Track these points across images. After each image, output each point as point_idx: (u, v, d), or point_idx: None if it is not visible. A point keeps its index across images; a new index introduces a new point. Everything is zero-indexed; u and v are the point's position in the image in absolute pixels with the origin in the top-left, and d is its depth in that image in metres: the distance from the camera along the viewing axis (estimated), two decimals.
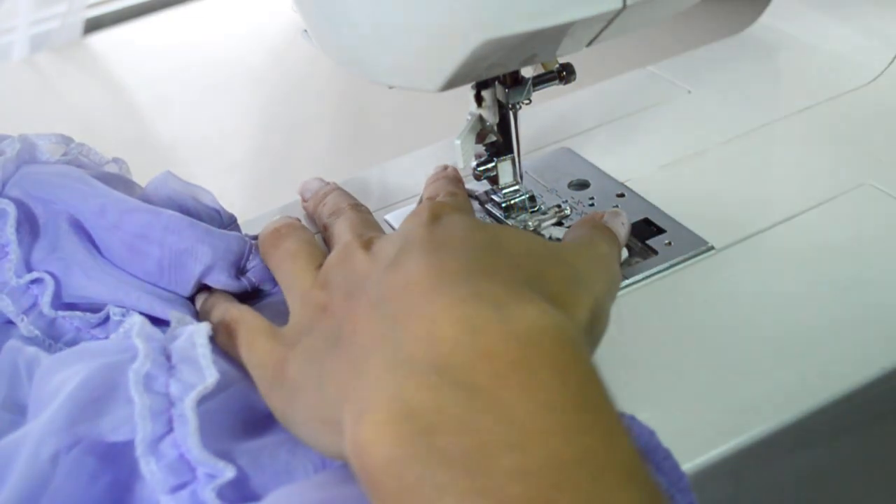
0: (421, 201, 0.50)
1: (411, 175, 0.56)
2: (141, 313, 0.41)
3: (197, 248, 0.42)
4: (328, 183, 0.51)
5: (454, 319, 0.31)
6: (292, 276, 0.41)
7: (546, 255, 0.37)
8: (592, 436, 0.28)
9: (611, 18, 0.37)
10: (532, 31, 0.35)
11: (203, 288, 0.44)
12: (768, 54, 0.65)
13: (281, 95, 0.78)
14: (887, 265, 0.45)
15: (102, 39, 0.93)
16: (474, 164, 0.49)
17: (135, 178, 0.69)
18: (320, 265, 0.40)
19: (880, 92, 0.59)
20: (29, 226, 0.43)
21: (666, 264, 0.47)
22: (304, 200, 0.52)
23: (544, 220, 0.50)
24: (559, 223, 0.50)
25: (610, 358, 0.42)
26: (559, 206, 0.51)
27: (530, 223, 0.50)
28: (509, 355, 0.29)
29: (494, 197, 0.51)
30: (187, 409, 0.34)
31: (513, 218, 0.51)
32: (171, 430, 0.34)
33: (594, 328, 0.37)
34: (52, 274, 0.42)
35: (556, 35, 0.37)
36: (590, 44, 0.41)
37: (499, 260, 0.35)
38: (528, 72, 0.46)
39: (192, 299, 0.44)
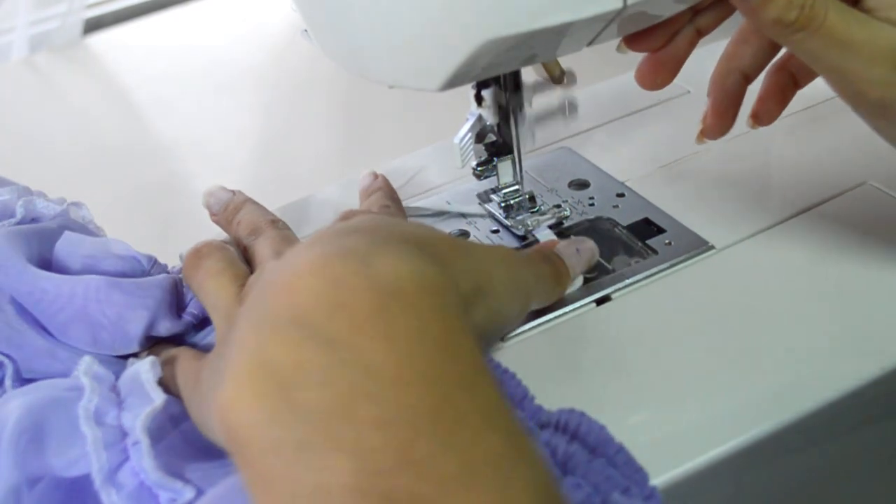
0: None
1: (411, 175, 0.56)
2: None
3: (132, 309, 0.41)
4: (234, 192, 0.49)
5: (316, 273, 0.30)
6: (215, 295, 0.40)
7: (442, 235, 0.36)
8: (451, 384, 0.28)
9: (611, 18, 0.37)
10: (532, 31, 0.35)
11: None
12: None
13: (281, 95, 0.78)
14: (887, 265, 0.45)
15: (102, 39, 0.93)
16: (474, 163, 0.49)
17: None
18: (243, 285, 0.40)
19: None
20: None
21: (666, 264, 0.47)
22: (213, 214, 0.49)
23: (543, 220, 0.50)
24: (559, 223, 0.50)
25: (610, 358, 0.42)
26: (559, 205, 0.51)
27: (529, 223, 0.50)
28: (368, 305, 0.29)
29: (494, 197, 0.51)
30: (139, 430, 0.34)
31: (512, 218, 0.51)
32: (127, 458, 0.34)
33: (478, 313, 0.35)
34: (8, 356, 0.41)
35: (556, 35, 0.37)
36: (590, 44, 0.41)
37: (382, 228, 0.34)
38: (528, 74, 0.46)
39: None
